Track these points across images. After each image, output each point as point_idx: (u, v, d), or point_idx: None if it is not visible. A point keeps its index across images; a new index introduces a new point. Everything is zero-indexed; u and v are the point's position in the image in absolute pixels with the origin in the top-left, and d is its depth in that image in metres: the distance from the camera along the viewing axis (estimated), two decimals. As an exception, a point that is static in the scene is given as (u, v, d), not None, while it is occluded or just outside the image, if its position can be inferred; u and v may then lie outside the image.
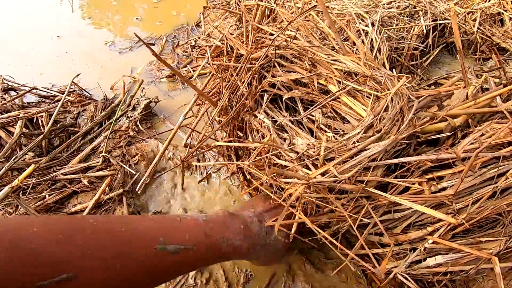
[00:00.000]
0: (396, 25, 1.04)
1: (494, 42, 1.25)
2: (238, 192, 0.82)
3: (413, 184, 0.50)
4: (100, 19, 1.52)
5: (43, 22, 1.48)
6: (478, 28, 1.24)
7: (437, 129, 0.56)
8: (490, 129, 0.54)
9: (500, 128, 0.53)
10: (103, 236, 0.31)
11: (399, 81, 0.53)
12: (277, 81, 0.62)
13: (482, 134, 0.54)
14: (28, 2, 1.62)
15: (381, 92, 0.52)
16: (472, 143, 0.49)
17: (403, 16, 1.10)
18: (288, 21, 0.68)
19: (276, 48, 0.63)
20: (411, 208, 0.50)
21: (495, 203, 0.48)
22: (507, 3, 1.27)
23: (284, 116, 0.68)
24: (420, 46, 1.10)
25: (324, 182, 0.48)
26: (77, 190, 0.79)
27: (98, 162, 0.83)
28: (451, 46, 1.29)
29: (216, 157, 0.89)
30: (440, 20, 1.14)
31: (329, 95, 0.59)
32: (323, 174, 0.49)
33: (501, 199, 0.48)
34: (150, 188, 0.84)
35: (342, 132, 0.62)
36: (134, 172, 0.84)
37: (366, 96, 0.56)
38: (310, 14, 0.69)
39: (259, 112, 0.68)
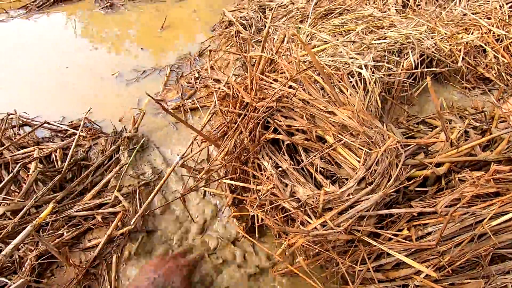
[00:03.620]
0: (387, 62, 1.11)
1: (478, 72, 1.33)
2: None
3: (401, 230, 0.56)
4: (106, 49, 1.59)
5: (50, 54, 1.55)
6: (463, 58, 1.33)
7: (424, 175, 0.63)
8: (469, 176, 0.60)
9: (477, 176, 0.60)
10: None
11: (389, 137, 0.60)
12: (278, 138, 0.68)
13: (462, 181, 0.61)
14: (37, 37, 1.69)
15: (372, 148, 0.59)
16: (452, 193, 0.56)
17: (392, 54, 1.17)
18: (289, 73, 0.75)
19: (278, 100, 0.70)
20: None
21: (474, 247, 0.54)
22: (488, 37, 1.35)
23: (285, 159, 0.74)
24: (407, 81, 1.17)
25: (321, 234, 0.54)
26: (91, 226, 0.84)
27: (110, 199, 0.89)
28: (439, 75, 1.37)
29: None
30: (427, 55, 1.23)
31: (326, 145, 0.65)
32: (322, 225, 0.55)
33: (479, 244, 0.54)
34: (160, 220, 0.89)
35: (338, 176, 0.68)
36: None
37: (359, 148, 0.63)
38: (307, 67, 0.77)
39: (263, 157, 0.75)
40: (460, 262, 0.52)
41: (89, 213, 0.84)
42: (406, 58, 1.19)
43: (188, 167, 0.86)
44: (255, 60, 0.83)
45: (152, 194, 0.86)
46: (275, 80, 0.77)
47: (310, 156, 0.71)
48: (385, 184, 0.57)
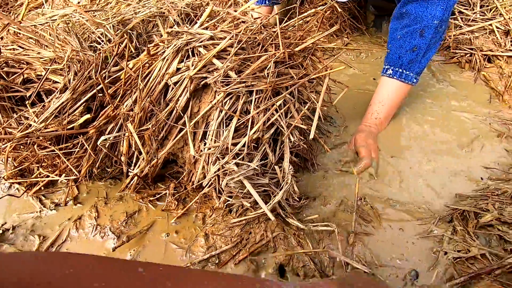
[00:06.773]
0: (142, 22, 1.31)
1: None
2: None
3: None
4: None
5: None
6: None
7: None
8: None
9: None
10: None
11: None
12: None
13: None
14: None
15: (71, 66, 0.73)
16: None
17: (156, 17, 1.38)
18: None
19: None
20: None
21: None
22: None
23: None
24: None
25: (28, 134, 0.64)
26: None
27: None
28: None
29: None
30: (187, 13, 1.49)
31: (41, 80, 0.76)
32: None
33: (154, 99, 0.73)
34: None
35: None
36: None
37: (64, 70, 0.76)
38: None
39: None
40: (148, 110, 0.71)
41: None
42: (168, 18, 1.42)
43: None
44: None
45: None
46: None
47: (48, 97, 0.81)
48: (82, 85, 0.71)
